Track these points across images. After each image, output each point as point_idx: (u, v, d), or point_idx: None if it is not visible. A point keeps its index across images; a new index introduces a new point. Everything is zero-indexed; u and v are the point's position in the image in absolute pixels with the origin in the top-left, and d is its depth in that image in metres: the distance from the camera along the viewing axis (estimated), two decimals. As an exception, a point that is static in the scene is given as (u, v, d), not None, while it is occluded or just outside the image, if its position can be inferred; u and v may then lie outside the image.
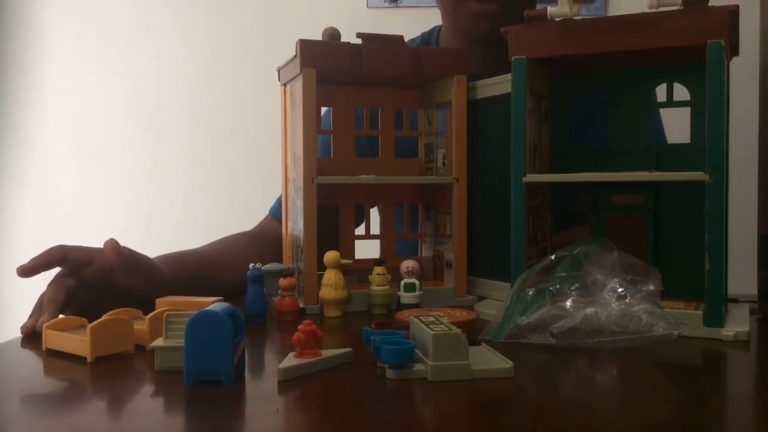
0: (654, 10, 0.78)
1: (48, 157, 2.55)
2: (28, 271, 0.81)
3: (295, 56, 0.93)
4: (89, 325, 0.67)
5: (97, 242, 0.89)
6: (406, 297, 0.93)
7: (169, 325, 0.64)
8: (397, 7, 2.24)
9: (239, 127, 2.45)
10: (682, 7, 0.77)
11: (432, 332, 0.60)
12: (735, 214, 0.90)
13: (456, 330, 0.61)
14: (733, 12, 0.76)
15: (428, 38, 1.32)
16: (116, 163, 2.51)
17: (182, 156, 2.49)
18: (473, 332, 0.73)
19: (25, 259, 0.82)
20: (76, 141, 2.53)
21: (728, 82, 0.81)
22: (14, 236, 2.54)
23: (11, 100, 2.57)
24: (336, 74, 0.95)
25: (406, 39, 1.17)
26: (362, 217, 1.12)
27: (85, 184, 2.53)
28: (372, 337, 0.63)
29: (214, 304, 0.60)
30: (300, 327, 0.64)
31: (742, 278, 0.94)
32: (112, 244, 0.87)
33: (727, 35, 0.75)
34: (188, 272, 1.01)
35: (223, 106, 2.47)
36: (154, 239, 1.56)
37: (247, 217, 1.30)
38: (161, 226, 2.43)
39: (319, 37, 0.94)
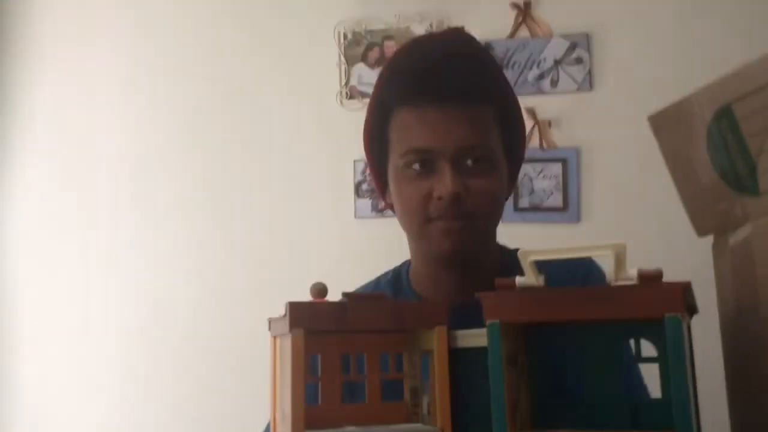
0: (612, 284, 0.85)
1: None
2: None
3: (284, 315, 0.99)
4: None
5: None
6: None
7: None
8: (383, 216, 2.36)
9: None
10: (637, 283, 0.83)
11: None
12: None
13: None
14: (686, 288, 0.82)
15: (399, 271, 1.39)
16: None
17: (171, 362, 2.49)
18: None
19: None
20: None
21: (690, 341, 0.87)
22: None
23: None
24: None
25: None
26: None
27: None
28: None
29: None
30: None
31: None
32: None
33: (682, 309, 0.81)
34: None
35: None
36: None
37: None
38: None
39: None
